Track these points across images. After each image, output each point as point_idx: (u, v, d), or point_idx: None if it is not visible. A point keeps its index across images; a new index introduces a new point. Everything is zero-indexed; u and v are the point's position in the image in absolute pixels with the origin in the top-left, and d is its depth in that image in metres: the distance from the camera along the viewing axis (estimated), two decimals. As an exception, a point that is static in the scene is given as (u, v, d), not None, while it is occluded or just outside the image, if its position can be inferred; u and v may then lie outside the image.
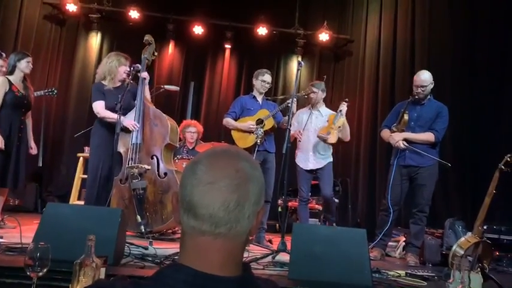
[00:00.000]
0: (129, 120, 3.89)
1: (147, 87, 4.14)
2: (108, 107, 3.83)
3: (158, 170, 3.95)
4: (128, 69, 3.95)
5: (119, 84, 3.99)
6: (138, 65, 4.00)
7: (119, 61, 3.96)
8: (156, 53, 4.35)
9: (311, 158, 4.41)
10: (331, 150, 4.47)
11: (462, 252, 3.26)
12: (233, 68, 7.41)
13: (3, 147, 3.86)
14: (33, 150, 4.35)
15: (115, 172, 3.88)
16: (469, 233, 3.53)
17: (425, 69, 4.27)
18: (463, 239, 3.45)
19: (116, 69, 3.94)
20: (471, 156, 5.11)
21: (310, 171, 4.44)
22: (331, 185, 4.45)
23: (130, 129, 3.89)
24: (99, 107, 3.88)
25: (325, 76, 4.87)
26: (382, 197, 4.44)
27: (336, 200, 4.61)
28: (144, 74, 4.03)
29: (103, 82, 3.97)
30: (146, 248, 3.10)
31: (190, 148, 5.47)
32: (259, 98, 4.55)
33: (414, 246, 3.96)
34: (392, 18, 6.19)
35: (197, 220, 0.82)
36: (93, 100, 3.93)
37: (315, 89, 4.44)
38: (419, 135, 3.98)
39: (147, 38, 4.22)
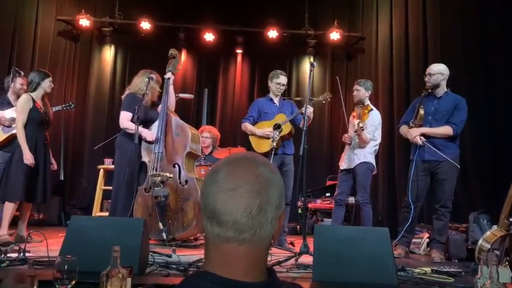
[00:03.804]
0: (149, 132, 4.10)
1: (172, 95, 4.31)
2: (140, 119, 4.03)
3: (179, 178, 4.02)
4: (159, 90, 4.28)
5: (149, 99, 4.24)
6: (152, 75, 4.19)
7: (150, 77, 4.16)
8: (180, 66, 4.54)
9: (345, 157, 4.37)
10: (370, 149, 4.26)
11: (489, 246, 3.19)
12: (245, 73, 7.44)
13: (33, 163, 3.97)
14: (54, 166, 4.48)
15: (140, 181, 3.99)
16: (495, 226, 3.46)
17: (439, 62, 4.22)
18: (488, 232, 3.38)
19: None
20: (491, 148, 5.01)
21: (345, 171, 4.35)
22: (361, 189, 4.21)
23: (149, 140, 4.07)
24: (124, 118, 4.08)
25: (337, 77, 4.83)
26: (403, 193, 4.39)
27: (367, 209, 4.20)
28: (168, 75, 4.27)
29: (138, 95, 4.15)
30: (170, 256, 3.13)
31: (207, 154, 5.49)
32: (276, 100, 4.53)
33: (438, 242, 3.90)
34: (404, 12, 6.13)
35: (221, 227, 0.83)
36: (122, 109, 4.17)
37: (358, 87, 4.40)
38: (437, 129, 3.93)
39: (172, 52, 4.42)
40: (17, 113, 4.11)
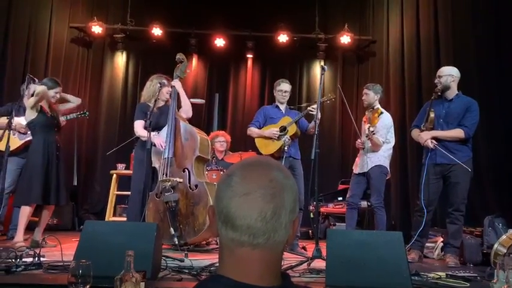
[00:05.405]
0: (158, 139, 4.10)
1: (185, 98, 4.31)
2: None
3: (189, 183, 4.03)
4: (170, 89, 4.25)
5: (162, 104, 4.26)
6: (164, 80, 4.22)
7: (162, 83, 4.18)
8: (188, 70, 4.52)
9: (359, 161, 4.36)
10: (384, 152, 4.26)
11: (505, 250, 3.15)
12: (256, 77, 7.46)
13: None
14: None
15: (152, 187, 4.03)
16: (510, 230, 3.42)
17: (451, 64, 4.18)
18: (504, 236, 3.34)
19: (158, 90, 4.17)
20: (506, 150, 4.95)
21: (359, 175, 4.33)
22: (375, 192, 4.21)
23: (158, 147, 4.08)
24: (138, 126, 4.12)
25: (339, 86, 4.86)
26: (415, 197, 4.35)
27: (381, 213, 4.21)
28: (174, 82, 4.26)
29: (148, 103, 4.17)
30: (182, 261, 3.14)
31: (219, 159, 5.52)
32: (282, 108, 4.56)
33: (453, 246, 3.85)
34: (414, 15, 6.09)
35: (235, 232, 0.83)
36: (135, 119, 4.21)
37: (366, 91, 4.41)
38: (448, 132, 3.89)
39: (179, 56, 4.42)
40: (28, 113, 4.20)
